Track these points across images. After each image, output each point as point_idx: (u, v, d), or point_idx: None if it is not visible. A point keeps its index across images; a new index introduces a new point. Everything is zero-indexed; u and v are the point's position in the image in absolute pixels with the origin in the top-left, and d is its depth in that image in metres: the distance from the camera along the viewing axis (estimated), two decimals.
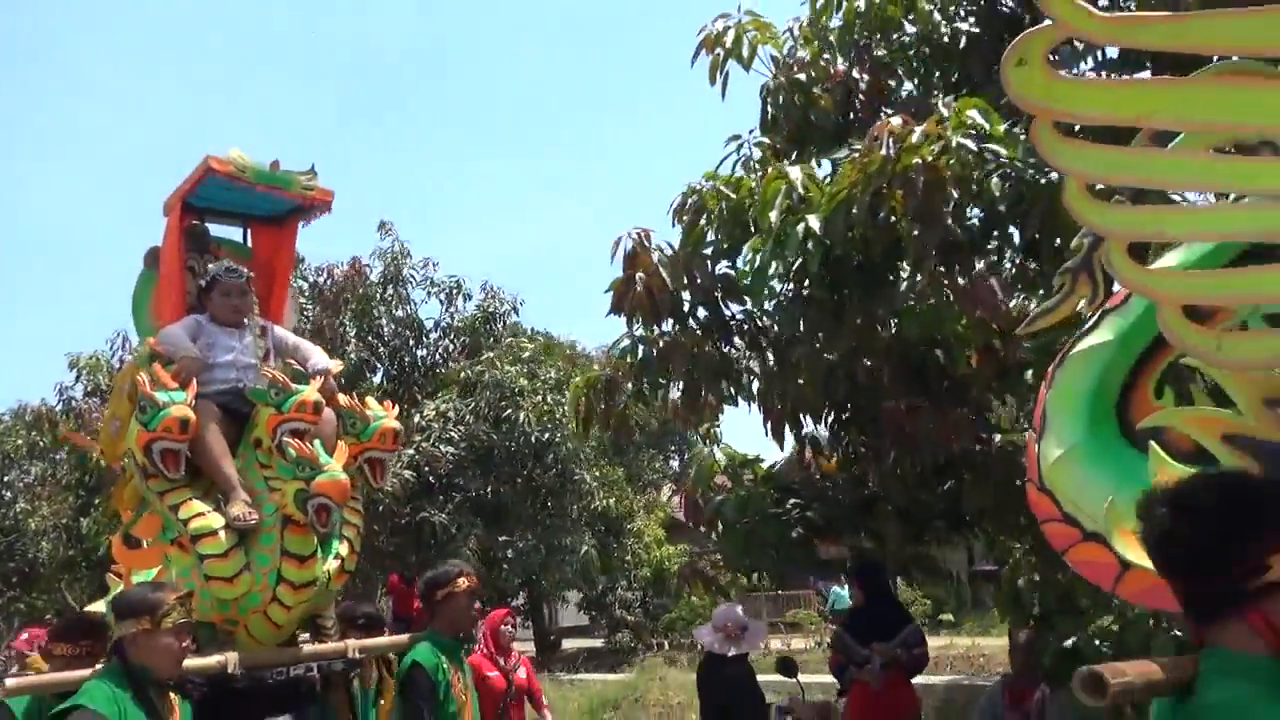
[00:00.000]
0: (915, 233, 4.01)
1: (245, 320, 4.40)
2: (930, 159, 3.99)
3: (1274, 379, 1.94)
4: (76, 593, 16.76)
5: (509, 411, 13.95)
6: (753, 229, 4.68)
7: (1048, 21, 1.80)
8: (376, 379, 14.30)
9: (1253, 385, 1.93)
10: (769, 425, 5.05)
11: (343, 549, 4.02)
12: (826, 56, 4.99)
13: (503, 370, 14.55)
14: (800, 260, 4.30)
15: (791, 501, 5.57)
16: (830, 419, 5.46)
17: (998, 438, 4.81)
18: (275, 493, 3.81)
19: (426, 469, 9.75)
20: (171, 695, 3.26)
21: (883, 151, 4.06)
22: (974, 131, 4.12)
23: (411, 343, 15.47)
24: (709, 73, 5.09)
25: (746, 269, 4.73)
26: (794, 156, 5.14)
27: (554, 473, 15.31)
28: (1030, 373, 4.13)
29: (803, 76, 5.08)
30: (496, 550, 14.60)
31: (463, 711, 3.99)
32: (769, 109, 5.22)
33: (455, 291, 15.43)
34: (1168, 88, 1.92)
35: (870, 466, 5.20)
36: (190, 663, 3.49)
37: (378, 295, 14.23)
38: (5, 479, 20.40)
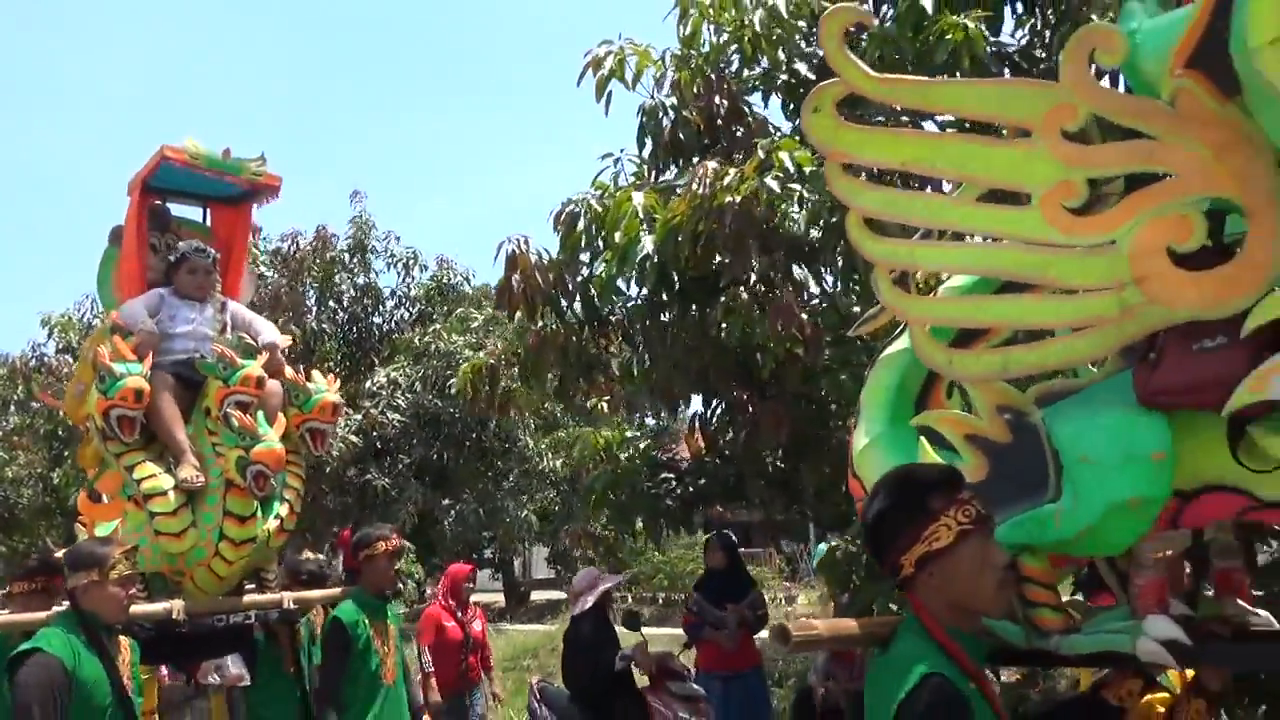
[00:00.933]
0: (727, 261, 4.71)
1: (208, 296, 4.75)
2: (740, 198, 4.59)
3: (1002, 389, 2.31)
4: (55, 538, 17.20)
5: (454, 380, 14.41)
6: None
7: (836, 78, 2.15)
8: (334, 345, 14.62)
9: (987, 393, 2.29)
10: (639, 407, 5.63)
11: (283, 510, 4.39)
12: (699, 80, 5.38)
13: (449, 340, 14.99)
14: (641, 273, 5.03)
15: (662, 475, 6.06)
16: (689, 406, 6.15)
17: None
18: (220, 458, 4.17)
19: (375, 434, 10.18)
20: (122, 638, 3.63)
21: (701, 190, 4.68)
22: (782, 173, 4.72)
23: (370, 311, 15.86)
24: (595, 91, 5.54)
25: (601, 276, 5.35)
26: (664, 172, 5.73)
27: (498, 439, 15.83)
28: (843, 375, 4.61)
29: (673, 99, 5.59)
30: (438, 512, 15.15)
31: (385, 662, 4.36)
32: (644, 128, 5.69)
33: (412, 262, 15.72)
34: (924, 140, 2.27)
35: (731, 446, 5.68)
36: (139, 609, 3.87)
37: (341, 263, 14.51)
38: None
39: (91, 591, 3.39)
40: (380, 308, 16.24)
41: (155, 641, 3.85)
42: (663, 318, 5.49)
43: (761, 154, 4.84)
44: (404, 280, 15.66)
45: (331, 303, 14.44)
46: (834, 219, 4.57)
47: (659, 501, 6.10)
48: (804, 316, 4.69)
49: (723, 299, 5.00)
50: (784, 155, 4.77)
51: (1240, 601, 2.34)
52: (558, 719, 5.34)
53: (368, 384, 13.17)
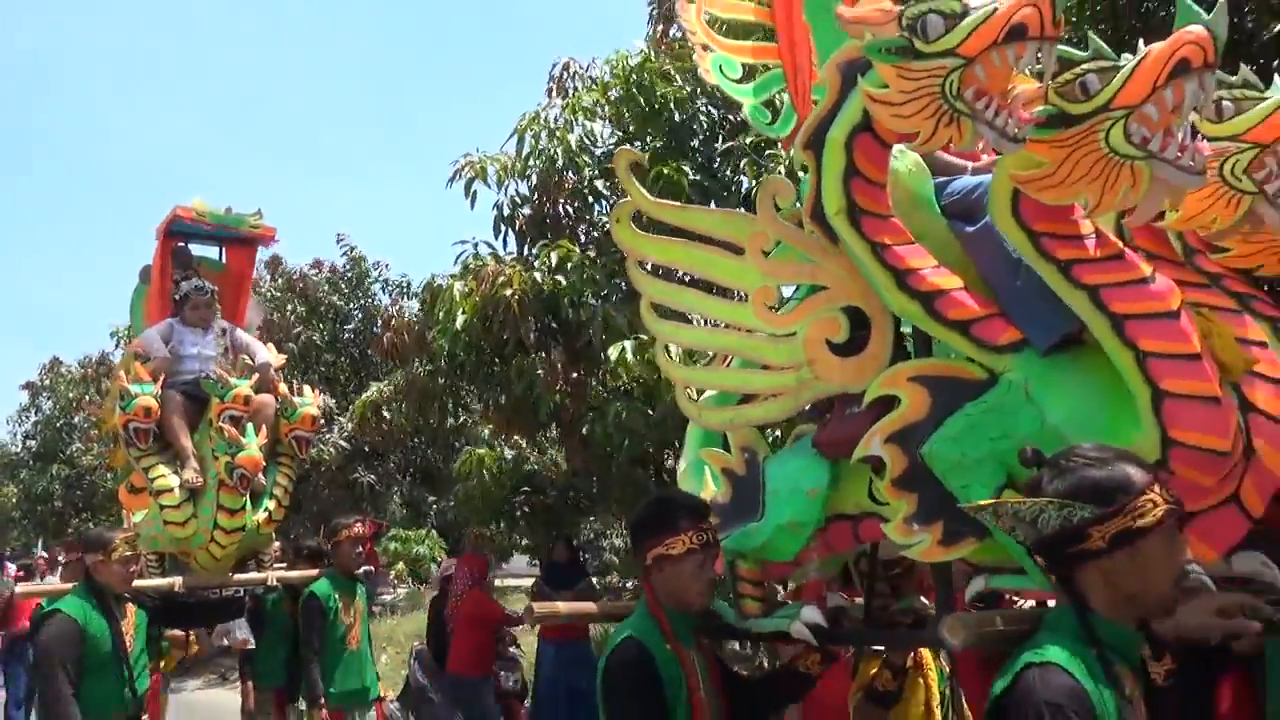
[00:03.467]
0: (505, 335, 6.35)
1: (210, 324, 5.62)
2: (510, 292, 6.15)
3: (747, 433, 2.97)
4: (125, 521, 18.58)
5: None
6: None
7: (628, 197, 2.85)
8: (343, 361, 15.39)
9: (735, 437, 2.98)
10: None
11: (271, 504, 5.24)
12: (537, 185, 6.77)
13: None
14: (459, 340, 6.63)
15: (523, 489, 7.02)
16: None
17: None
18: (216, 462, 5.03)
19: (365, 439, 11.18)
20: (130, 605, 4.48)
21: (483, 288, 6.27)
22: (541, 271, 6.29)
23: (369, 330, 16.60)
24: (464, 189, 6.95)
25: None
26: (525, 250, 7.19)
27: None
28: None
29: (516, 199, 7.07)
30: (424, 506, 16.06)
31: (350, 630, 5.14)
32: (499, 220, 7.08)
33: (406, 289, 16.24)
34: (686, 249, 2.91)
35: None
36: (146, 583, 4.74)
37: (341, 290, 15.30)
38: (74, 420, 22.37)
39: (100, 567, 4.21)
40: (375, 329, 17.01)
41: (162, 609, 4.71)
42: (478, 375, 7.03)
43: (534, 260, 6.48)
44: (395, 305, 16.38)
45: (335, 324, 15.19)
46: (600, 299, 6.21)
47: (514, 509, 7.59)
48: (573, 374, 6.01)
49: (513, 362, 6.42)
50: (552, 257, 6.37)
51: (923, 599, 3.04)
52: (424, 672, 6.72)
53: (364, 395, 14.11)
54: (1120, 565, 1.58)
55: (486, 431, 8.49)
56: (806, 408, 2.83)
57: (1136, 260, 2.01)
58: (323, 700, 4.88)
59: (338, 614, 5.05)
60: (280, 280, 14.96)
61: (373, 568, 7.71)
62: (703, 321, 3.07)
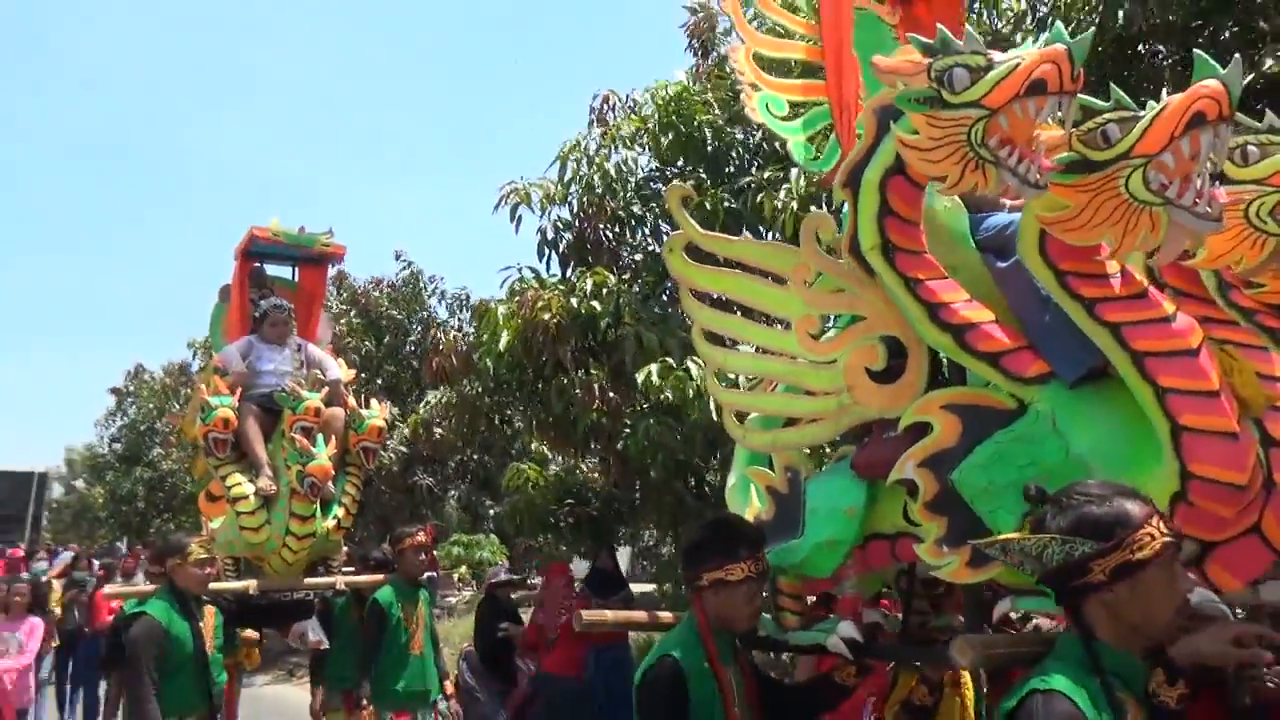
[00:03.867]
0: (544, 357, 6.57)
1: (286, 340, 5.88)
2: (549, 316, 6.40)
3: (789, 453, 3.09)
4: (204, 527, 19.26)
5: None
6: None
7: (679, 231, 2.97)
8: (403, 370, 15.73)
9: (779, 457, 3.08)
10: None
11: (339, 512, 5.46)
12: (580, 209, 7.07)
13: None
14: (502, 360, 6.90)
15: (567, 501, 7.19)
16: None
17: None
18: (289, 471, 5.26)
19: (423, 445, 11.53)
20: (208, 607, 4.72)
21: (524, 312, 6.51)
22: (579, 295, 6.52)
23: (425, 345, 16.80)
24: (509, 214, 7.25)
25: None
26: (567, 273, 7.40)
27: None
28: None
29: (558, 223, 7.32)
30: (481, 510, 16.31)
31: (414, 636, 5.31)
32: (542, 244, 7.37)
33: (465, 301, 16.51)
34: (735, 278, 3.01)
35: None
36: (222, 585, 4.97)
37: (400, 305, 15.66)
38: (156, 426, 23.22)
39: (178, 571, 4.45)
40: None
41: (237, 610, 4.94)
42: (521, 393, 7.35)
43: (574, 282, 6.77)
44: (454, 317, 16.62)
45: (395, 337, 15.50)
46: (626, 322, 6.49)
47: (559, 521, 7.77)
48: (611, 395, 6.21)
49: (552, 382, 6.64)
50: (588, 283, 6.65)
51: (960, 618, 3.10)
52: (471, 673, 6.92)
53: (422, 405, 14.44)
54: (1122, 597, 1.65)
55: (534, 445, 8.72)
56: (845, 431, 2.92)
57: (1159, 299, 2.07)
58: (365, 702, 5.08)
59: (400, 621, 5.23)
60: (344, 295, 15.37)
61: (434, 572, 7.96)
62: (750, 348, 3.16)
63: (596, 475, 7.07)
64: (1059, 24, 2.07)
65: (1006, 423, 2.36)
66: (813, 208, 2.76)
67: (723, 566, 2.64)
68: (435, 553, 16.39)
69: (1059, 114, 1.93)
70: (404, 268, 15.45)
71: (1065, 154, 1.99)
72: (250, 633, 5.81)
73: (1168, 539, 1.66)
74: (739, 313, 3.10)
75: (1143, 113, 1.91)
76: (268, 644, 6.98)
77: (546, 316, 6.39)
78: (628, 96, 7.43)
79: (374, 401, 5.82)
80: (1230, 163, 2.07)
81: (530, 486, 7.52)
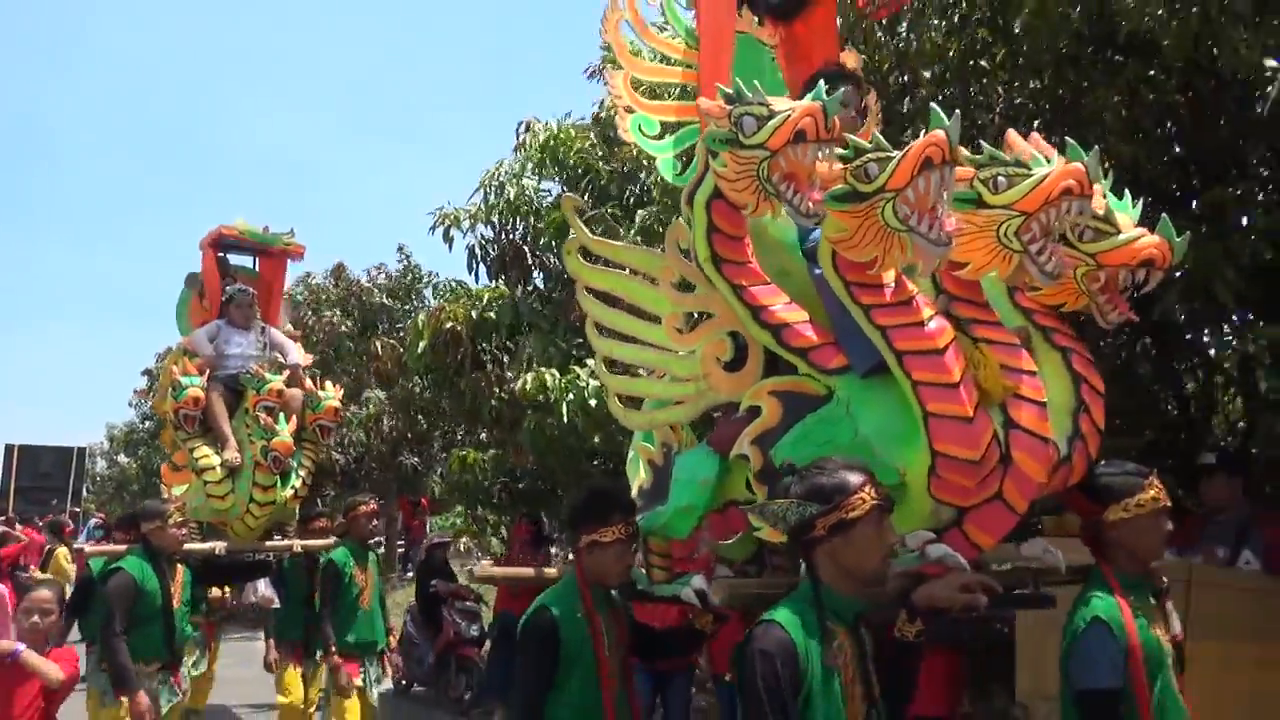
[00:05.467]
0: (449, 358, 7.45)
1: (251, 324, 6.17)
2: (452, 324, 7.27)
3: (665, 431, 3.38)
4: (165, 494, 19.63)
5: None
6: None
7: (573, 235, 3.25)
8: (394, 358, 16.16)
9: (657, 434, 3.36)
10: None
11: (297, 483, 5.77)
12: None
13: None
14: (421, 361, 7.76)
15: (500, 479, 7.69)
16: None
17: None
18: (252, 445, 5.56)
19: (405, 425, 12.01)
20: (180, 565, 5.03)
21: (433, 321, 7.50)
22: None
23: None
24: (441, 235, 7.94)
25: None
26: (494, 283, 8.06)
27: None
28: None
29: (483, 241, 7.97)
30: None
31: (364, 593, 5.59)
32: (471, 260, 8.05)
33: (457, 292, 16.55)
34: (621, 279, 3.22)
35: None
36: (192, 546, 5.29)
37: (397, 296, 15.91)
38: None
39: (156, 533, 4.76)
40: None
41: (203, 568, 5.27)
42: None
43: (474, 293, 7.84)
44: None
45: (392, 326, 15.72)
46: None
47: (493, 497, 8.57)
48: (506, 392, 6.93)
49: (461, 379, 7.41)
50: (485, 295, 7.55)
51: None
52: (413, 624, 7.72)
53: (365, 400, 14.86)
54: (838, 547, 1.99)
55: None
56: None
57: (920, 306, 2.40)
58: (334, 648, 5.40)
59: (352, 578, 5.54)
60: (340, 287, 15.60)
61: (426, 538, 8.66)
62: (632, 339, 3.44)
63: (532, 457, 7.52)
64: (821, 83, 2.37)
65: (817, 407, 2.68)
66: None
67: (596, 530, 2.91)
68: (420, 522, 16.89)
69: (825, 154, 2.24)
70: (401, 260, 15.69)
71: (841, 186, 2.31)
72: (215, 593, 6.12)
73: (876, 503, 2.00)
74: (625, 309, 3.40)
75: (895, 153, 2.22)
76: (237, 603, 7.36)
77: (450, 325, 7.30)
78: (547, 124, 7.93)
79: (329, 384, 6.12)
80: (986, 189, 2.37)
81: (472, 466, 7.94)
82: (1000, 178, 2.35)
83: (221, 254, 6.44)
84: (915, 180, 2.15)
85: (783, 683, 1.87)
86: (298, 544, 5.75)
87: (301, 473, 5.81)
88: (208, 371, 5.79)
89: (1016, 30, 4.46)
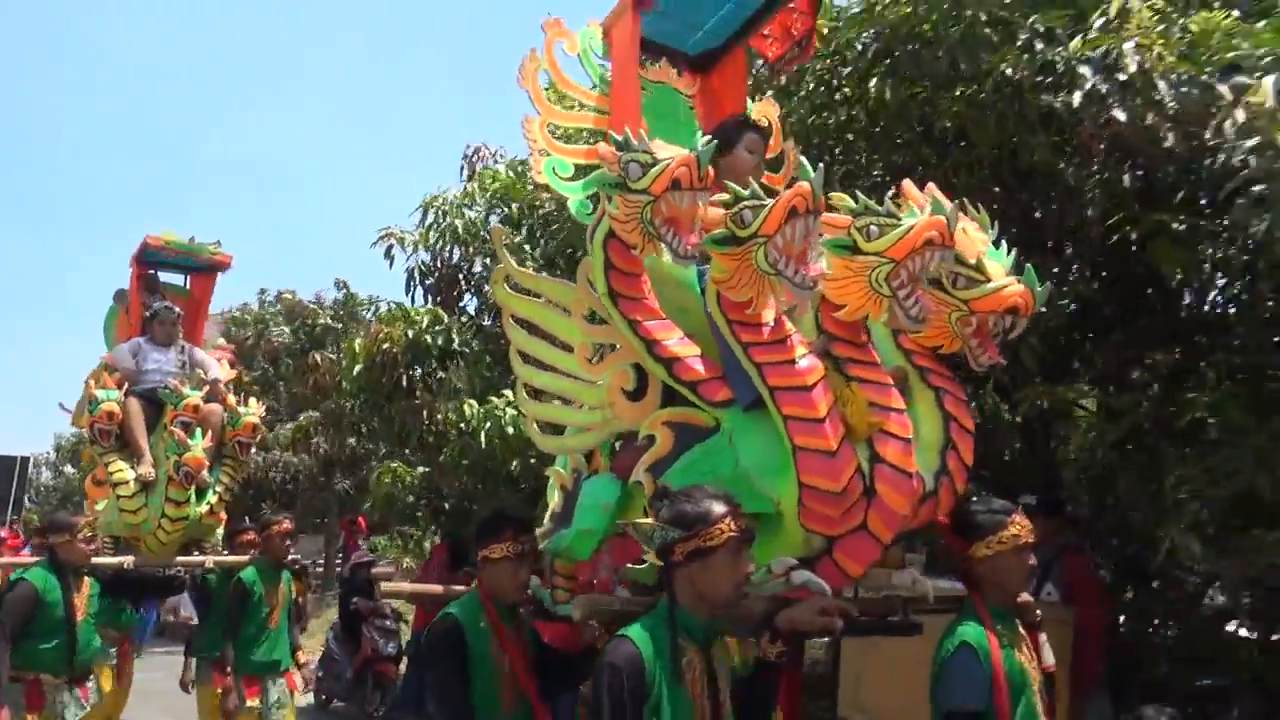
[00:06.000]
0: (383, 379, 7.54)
1: (173, 341, 6.10)
2: (388, 346, 7.47)
3: (577, 457, 3.43)
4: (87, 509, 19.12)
5: None
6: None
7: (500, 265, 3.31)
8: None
9: (570, 458, 3.44)
10: None
11: (213, 499, 5.70)
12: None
13: None
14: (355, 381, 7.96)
15: (424, 498, 7.89)
16: None
17: None
18: (167, 460, 5.50)
19: (337, 445, 11.99)
20: (87, 578, 4.93)
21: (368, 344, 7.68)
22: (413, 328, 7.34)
23: None
24: (383, 253, 8.09)
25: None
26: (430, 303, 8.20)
27: None
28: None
29: (423, 266, 8.14)
30: None
31: (273, 612, 5.49)
32: (409, 282, 8.20)
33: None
34: (540, 309, 3.28)
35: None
36: (101, 560, 5.19)
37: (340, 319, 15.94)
38: None
39: (63, 547, 4.70)
40: None
41: (113, 582, 5.17)
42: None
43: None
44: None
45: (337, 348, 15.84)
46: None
47: (418, 514, 8.71)
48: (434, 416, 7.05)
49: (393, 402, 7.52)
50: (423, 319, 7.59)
51: None
52: (335, 640, 7.87)
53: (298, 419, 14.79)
54: (695, 572, 2.10)
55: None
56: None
57: (794, 345, 2.52)
58: (229, 669, 5.35)
59: (262, 597, 5.48)
60: (288, 306, 15.60)
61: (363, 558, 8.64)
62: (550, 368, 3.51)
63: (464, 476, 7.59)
64: (699, 133, 2.50)
65: (706, 438, 2.78)
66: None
67: (488, 545, 3.01)
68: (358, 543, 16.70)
69: (703, 201, 2.37)
70: (339, 290, 15.72)
71: (721, 230, 2.43)
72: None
73: (735, 534, 2.10)
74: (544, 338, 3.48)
75: (769, 201, 2.35)
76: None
77: (386, 346, 7.41)
78: (496, 151, 8.20)
79: (252, 400, 6.07)
80: (860, 237, 2.51)
81: (398, 484, 7.96)
82: (873, 226, 2.49)
83: (153, 271, 6.38)
84: (784, 227, 2.28)
85: (627, 694, 1.96)
86: (210, 560, 5.67)
87: (218, 489, 5.74)
88: (125, 386, 5.71)
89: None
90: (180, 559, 5.64)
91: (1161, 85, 3.69)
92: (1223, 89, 3.54)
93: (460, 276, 7.82)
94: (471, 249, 7.65)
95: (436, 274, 7.87)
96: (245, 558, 5.76)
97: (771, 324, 2.56)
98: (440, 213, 7.78)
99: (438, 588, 3.39)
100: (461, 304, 7.98)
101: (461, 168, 8.12)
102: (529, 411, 3.52)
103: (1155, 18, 3.88)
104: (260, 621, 5.45)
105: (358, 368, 7.68)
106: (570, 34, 3.47)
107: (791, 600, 2.34)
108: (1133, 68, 3.73)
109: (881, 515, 2.50)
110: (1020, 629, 2.73)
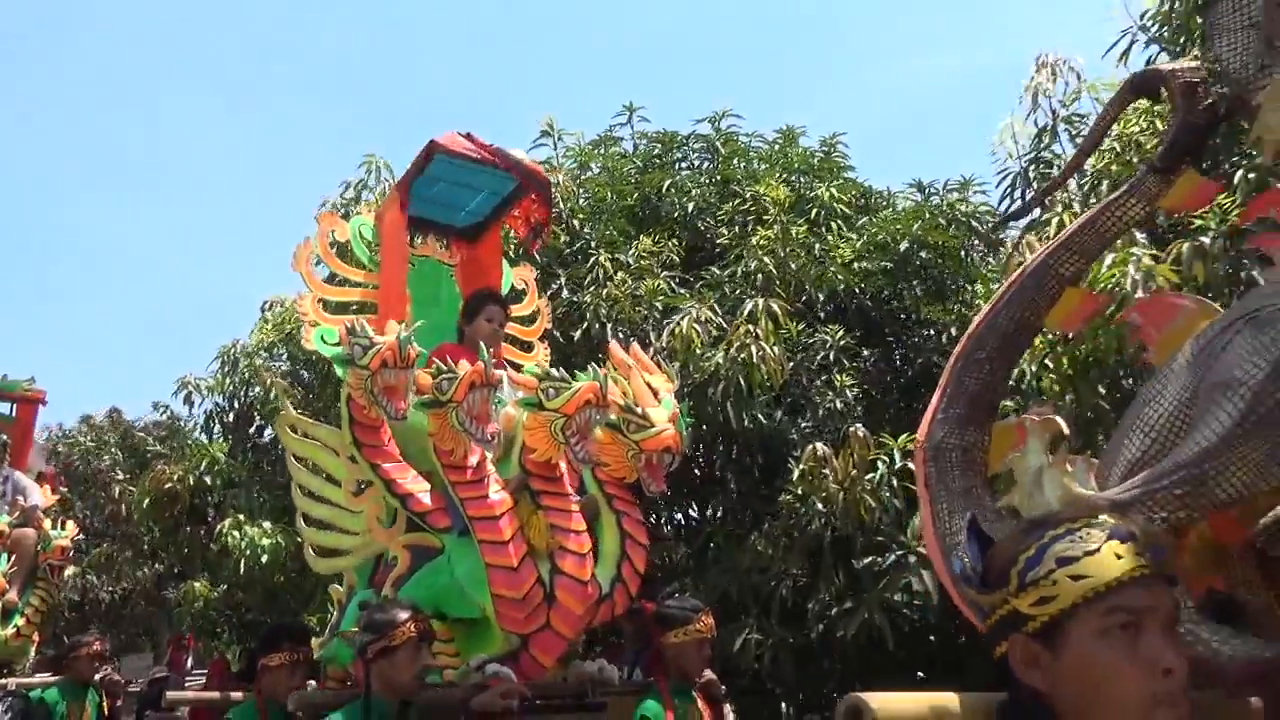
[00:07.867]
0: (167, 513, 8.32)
1: None
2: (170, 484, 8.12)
3: (350, 574, 3.90)
4: None
5: None
6: None
7: (284, 412, 3.80)
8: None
9: (346, 576, 3.92)
10: None
11: (20, 621, 5.75)
12: None
13: None
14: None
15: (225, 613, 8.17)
16: None
17: None
18: None
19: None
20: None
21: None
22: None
23: None
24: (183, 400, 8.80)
25: None
26: None
27: None
28: None
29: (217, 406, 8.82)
30: None
31: None
32: (208, 420, 8.88)
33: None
34: (317, 450, 3.85)
35: None
36: None
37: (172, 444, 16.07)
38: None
39: None
40: None
41: None
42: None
43: None
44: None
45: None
46: None
47: (213, 629, 8.79)
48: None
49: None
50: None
51: None
52: None
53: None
54: (384, 667, 2.55)
55: None
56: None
57: (489, 483, 3.12)
58: None
59: (64, 717, 5.51)
60: (118, 431, 15.36)
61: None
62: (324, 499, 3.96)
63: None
64: (459, 298, 3.14)
65: (434, 557, 3.32)
66: None
67: (267, 654, 3.35)
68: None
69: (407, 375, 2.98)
70: (163, 413, 15.64)
71: (427, 395, 3.03)
72: None
73: (413, 636, 2.61)
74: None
75: (459, 374, 2.98)
76: None
77: (169, 485, 8.15)
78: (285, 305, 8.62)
79: (69, 524, 6.19)
80: (543, 397, 3.13)
81: (200, 602, 8.17)
82: (551, 389, 3.14)
83: None
84: (468, 396, 2.91)
85: None
86: (12, 682, 5.66)
87: (27, 610, 5.79)
88: None
89: None
90: None
91: None
92: None
93: (254, 413, 8.32)
94: (262, 390, 8.17)
95: (234, 412, 8.44)
96: (49, 678, 5.77)
97: (474, 466, 3.15)
98: (233, 360, 8.40)
99: (215, 695, 3.71)
100: (259, 437, 8.49)
101: (255, 327, 8.78)
102: (306, 537, 3.96)
103: None
104: None
105: (146, 501, 8.31)
106: (342, 223, 4.08)
107: (487, 687, 2.87)
108: None
109: (562, 617, 3.07)
110: (699, 703, 3.32)
